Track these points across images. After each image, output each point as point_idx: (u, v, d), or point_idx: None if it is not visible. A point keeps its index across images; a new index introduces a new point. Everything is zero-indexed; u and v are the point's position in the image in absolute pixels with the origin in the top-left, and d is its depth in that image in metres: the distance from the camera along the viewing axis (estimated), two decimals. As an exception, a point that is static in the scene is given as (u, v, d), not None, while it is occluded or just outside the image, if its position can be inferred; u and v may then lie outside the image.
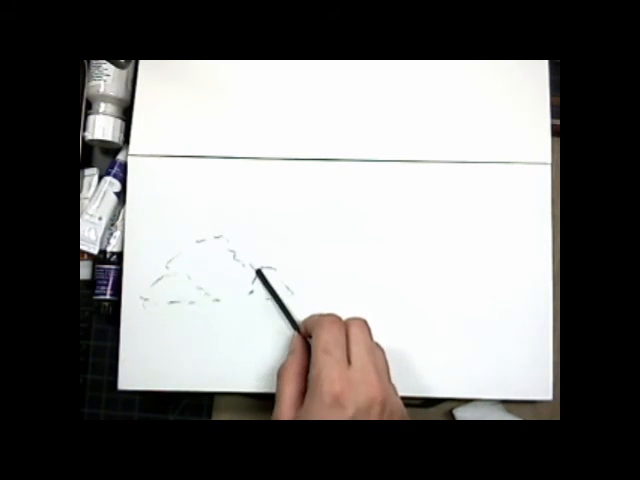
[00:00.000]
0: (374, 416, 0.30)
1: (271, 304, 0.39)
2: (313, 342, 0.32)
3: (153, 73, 0.41)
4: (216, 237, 0.40)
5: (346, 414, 0.29)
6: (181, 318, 0.39)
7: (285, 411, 0.31)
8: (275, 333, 0.39)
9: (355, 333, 0.33)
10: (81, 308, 0.41)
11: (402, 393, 0.39)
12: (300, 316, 0.39)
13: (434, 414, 0.40)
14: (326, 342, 0.31)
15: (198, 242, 0.39)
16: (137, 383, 0.39)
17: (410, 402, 0.40)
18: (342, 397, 0.29)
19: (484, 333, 0.39)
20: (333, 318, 0.34)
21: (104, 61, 0.39)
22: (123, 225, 0.40)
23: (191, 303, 0.39)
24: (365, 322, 0.34)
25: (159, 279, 0.39)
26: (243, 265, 0.39)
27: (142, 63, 0.41)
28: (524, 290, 0.39)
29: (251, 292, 0.39)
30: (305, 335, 0.36)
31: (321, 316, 0.34)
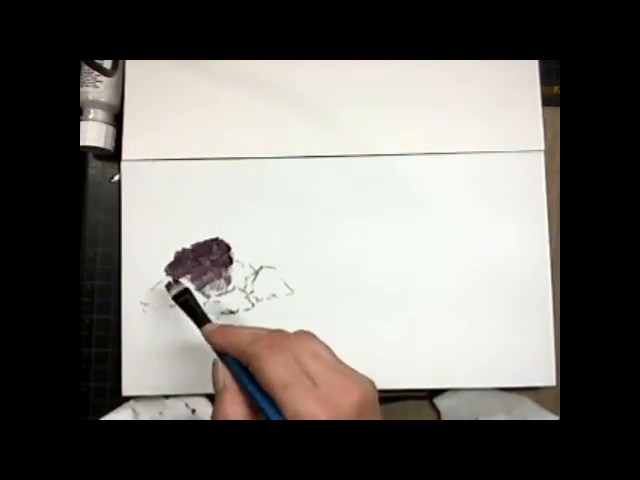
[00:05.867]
0: (365, 417, 0.27)
1: (272, 303, 0.39)
2: (263, 380, 0.26)
3: (141, 78, 0.41)
4: (214, 239, 0.39)
5: None
6: (182, 321, 0.39)
7: None
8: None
9: (297, 346, 0.28)
10: (82, 316, 0.41)
11: (406, 386, 0.39)
12: (301, 314, 0.39)
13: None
14: (279, 375, 0.26)
15: (196, 244, 0.39)
16: (141, 388, 0.39)
17: (415, 394, 0.40)
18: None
19: (485, 322, 0.39)
20: (268, 341, 0.28)
21: (93, 68, 0.39)
22: (120, 231, 0.40)
23: (191, 306, 0.39)
24: (302, 331, 0.30)
25: (158, 283, 0.39)
26: (242, 265, 0.39)
27: (129, 68, 0.41)
28: (523, 276, 0.39)
29: (252, 292, 0.39)
30: (229, 353, 0.29)
31: (252, 342, 0.28)
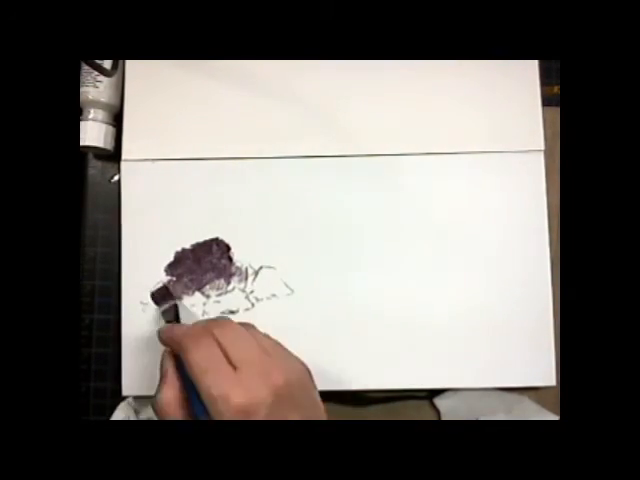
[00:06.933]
0: (288, 401, 0.27)
1: (272, 303, 0.39)
2: (187, 368, 0.28)
3: (141, 77, 0.41)
4: (214, 239, 0.39)
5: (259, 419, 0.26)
6: (182, 321, 0.39)
7: None
8: (276, 333, 0.39)
9: (224, 334, 0.29)
10: (82, 316, 0.41)
11: (406, 386, 0.39)
12: (301, 314, 0.39)
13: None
14: (199, 361, 0.28)
15: (196, 244, 0.39)
16: (141, 388, 0.39)
17: (415, 394, 0.40)
18: (246, 406, 0.26)
19: (485, 322, 0.39)
20: (194, 331, 0.29)
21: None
22: (120, 231, 0.40)
23: (192, 306, 0.39)
24: (227, 318, 0.31)
25: (158, 283, 0.39)
26: (242, 265, 0.39)
27: (129, 68, 0.41)
28: (523, 276, 0.39)
29: (252, 292, 0.39)
30: (174, 351, 0.31)
31: (183, 334, 0.29)
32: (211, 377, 0.27)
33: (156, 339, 0.39)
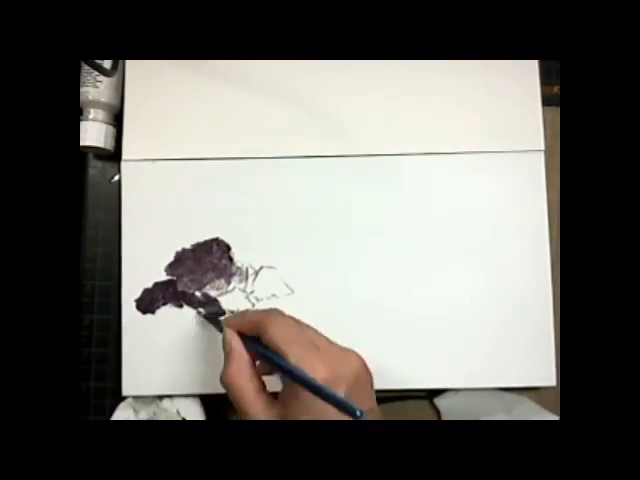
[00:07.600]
0: (362, 385, 0.29)
1: (272, 304, 0.39)
2: (272, 339, 0.30)
3: (141, 77, 0.41)
4: (214, 239, 0.39)
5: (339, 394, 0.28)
6: (183, 321, 0.39)
7: (254, 406, 0.29)
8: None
9: (297, 320, 0.32)
10: (82, 316, 0.41)
11: (406, 386, 0.39)
12: (301, 314, 0.39)
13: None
14: (283, 335, 0.30)
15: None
16: (141, 388, 0.39)
17: (415, 394, 0.40)
18: (331, 380, 0.28)
19: (485, 321, 0.39)
20: (271, 312, 0.32)
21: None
22: (120, 231, 0.40)
23: (192, 306, 0.39)
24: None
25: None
26: (242, 265, 0.39)
27: (129, 68, 0.41)
28: (523, 276, 0.39)
29: (252, 292, 0.39)
30: (245, 333, 0.32)
31: (260, 315, 0.32)
32: (298, 347, 0.29)
33: (156, 339, 0.39)
